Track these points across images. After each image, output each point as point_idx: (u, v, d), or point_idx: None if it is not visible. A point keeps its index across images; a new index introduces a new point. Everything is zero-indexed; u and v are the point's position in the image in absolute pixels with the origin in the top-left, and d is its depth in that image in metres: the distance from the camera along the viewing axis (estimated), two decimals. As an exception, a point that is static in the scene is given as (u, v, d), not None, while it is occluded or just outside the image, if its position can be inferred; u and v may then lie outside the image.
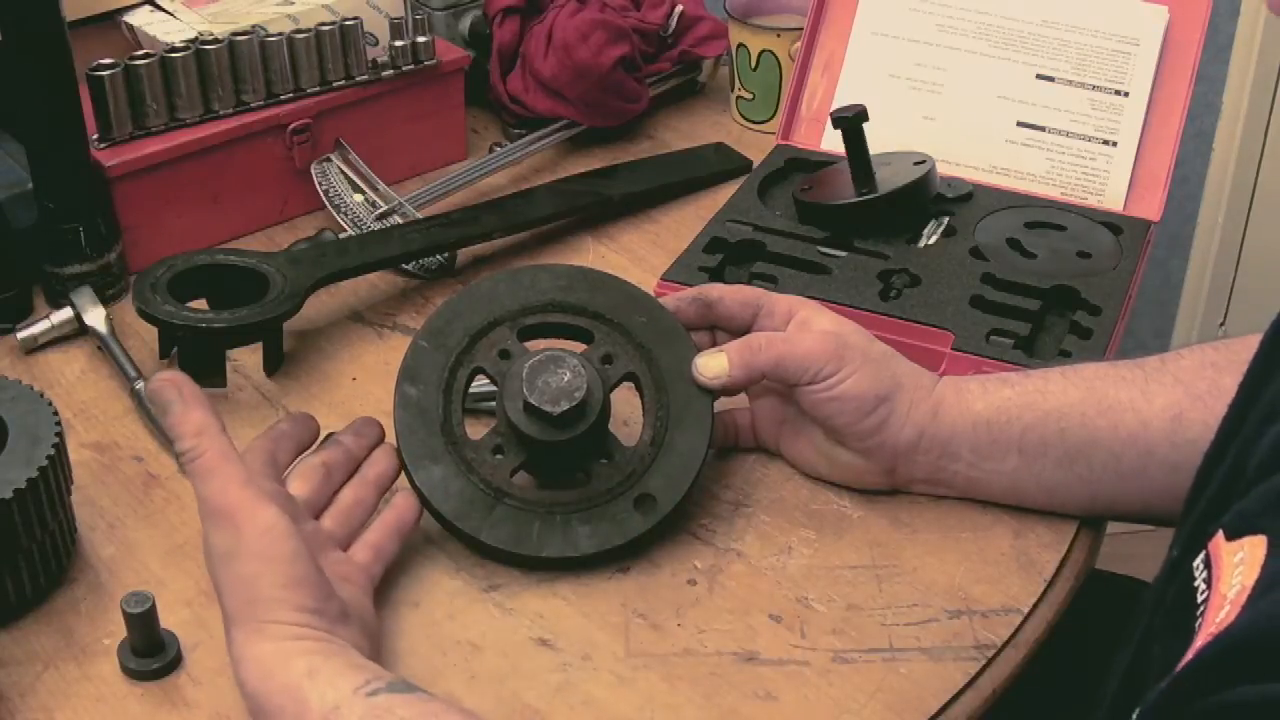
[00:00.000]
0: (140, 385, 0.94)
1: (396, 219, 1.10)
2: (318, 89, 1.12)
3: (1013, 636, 0.78)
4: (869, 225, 1.04)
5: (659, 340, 0.86)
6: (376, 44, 1.20)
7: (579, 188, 1.17)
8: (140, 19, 1.17)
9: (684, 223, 1.14)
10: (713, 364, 0.84)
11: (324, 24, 1.12)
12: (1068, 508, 0.84)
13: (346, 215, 1.10)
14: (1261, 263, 1.99)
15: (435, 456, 0.81)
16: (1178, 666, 0.48)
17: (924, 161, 1.06)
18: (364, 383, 0.98)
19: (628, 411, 0.89)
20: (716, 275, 1.02)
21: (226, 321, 0.93)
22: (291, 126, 1.11)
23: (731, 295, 0.88)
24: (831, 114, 1.06)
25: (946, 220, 1.06)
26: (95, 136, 1.05)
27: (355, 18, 1.13)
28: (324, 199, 1.11)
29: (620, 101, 1.23)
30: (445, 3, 1.26)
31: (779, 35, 1.24)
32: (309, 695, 0.66)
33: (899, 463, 0.84)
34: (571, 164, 1.23)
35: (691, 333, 0.87)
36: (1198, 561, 0.52)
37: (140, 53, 1.06)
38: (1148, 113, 1.11)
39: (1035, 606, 0.80)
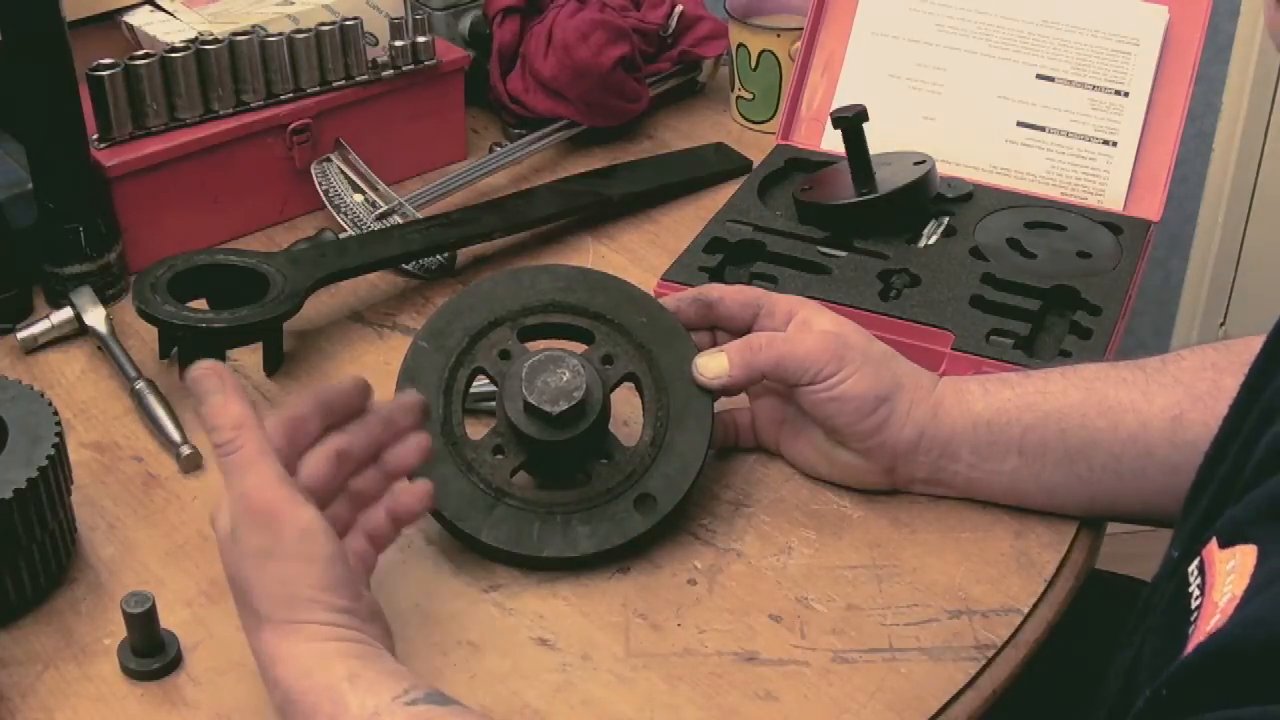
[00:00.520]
0: (140, 385, 0.94)
1: (396, 219, 1.10)
2: (318, 89, 1.12)
3: (1013, 636, 0.78)
4: (869, 225, 1.04)
5: (659, 340, 0.86)
6: (376, 44, 1.20)
7: (579, 188, 1.17)
8: (140, 19, 1.17)
9: (684, 223, 1.14)
10: (713, 364, 0.84)
11: (324, 24, 1.12)
12: (1067, 508, 0.84)
13: (346, 215, 1.10)
14: (1261, 263, 1.99)
15: (435, 457, 0.81)
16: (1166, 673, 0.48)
17: (924, 161, 1.06)
18: (364, 383, 0.98)
19: (628, 411, 0.89)
20: (716, 275, 1.02)
21: (226, 321, 0.93)
22: (291, 126, 1.11)
23: (732, 295, 0.88)
24: (831, 114, 1.06)
25: (946, 220, 1.06)
26: (95, 136, 1.05)
27: (355, 18, 1.13)
28: (324, 199, 1.11)
29: (620, 101, 1.23)
30: (445, 3, 1.26)
31: (779, 35, 1.24)
32: (349, 699, 0.65)
33: (899, 463, 0.84)
34: (571, 164, 1.23)
35: (692, 333, 0.87)
36: (1192, 568, 0.52)
37: (140, 53, 1.06)
38: (1148, 113, 1.11)
39: (1035, 606, 0.80)
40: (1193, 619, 0.51)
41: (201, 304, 0.96)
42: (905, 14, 1.17)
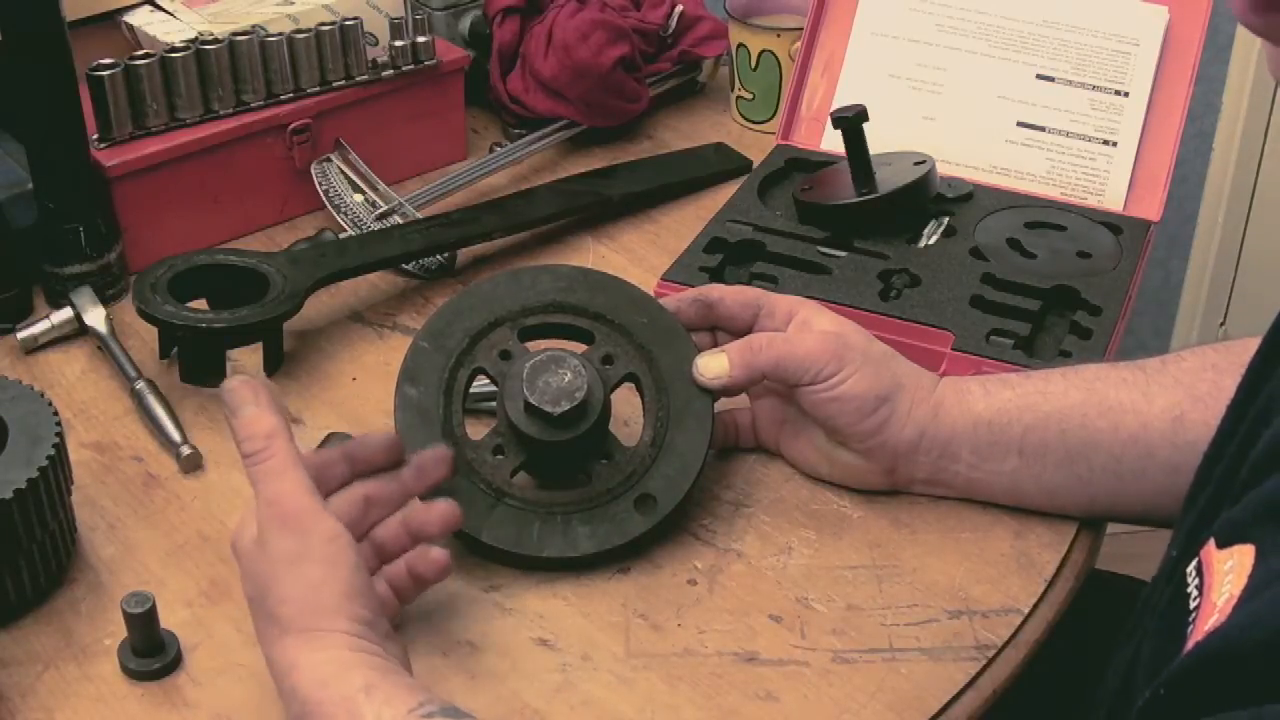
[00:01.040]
0: (140, 385, 0.94)
1: (396, 219, 1.10)
2: (318, 89, 1.12)
3: (1013, 636, 0.78)
4: (869, 225, 1.04)
5: (659, 341, 0.86)
6: (376, 44, 1.20)
7: (579, 188, 1.17)
8: (140, 19, 1.17)
9: (684, 223, 1.14)
10: (713, 364, 0.84)
11: (324, 24, 1.12)
12: (1068, 509, 0.84)
13: (346, 215, 1.10)
14: (1261, 263, 1.99)
15: (435, 457, 0.81)
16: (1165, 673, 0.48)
17: (924, 161, 1.06)
18: (364, 383, 0.98)
19: (628, 412, 0.89)
20: (716, 275, 1.02)
21: (226, 321, 0.93)
22: (291, 126, 1.11)
23: (732, 296, 0.88)
24: (831, 114, 1.06)
25: (946, 220, 1.06)
26: (95, 136, 1.05)
27: (355, 18, 1.13)
28: (324, 199, 1.11)
29: (620, 101, 1.23)
30: (445, 3, 1.26)
31: (779, 35, 1.24)
32: (364, 710, 0.65)
33: (899, 463, 0.84)
34: (571, 164, 1.23)
35: (692, 333, 0.87)
36: (1190, 568, 0.52)
37: (140, 53, 1.06)
38: (1148, 113, 1.11)
39: (1035, 606, 0.80)
40: (1191, 619, 0.51)
41: (201, 304, 0.96)
42: (905, 14, 1.17)
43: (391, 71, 1.15)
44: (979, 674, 0.76)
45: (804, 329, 0.85)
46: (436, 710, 0.65)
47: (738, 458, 0.90)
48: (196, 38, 1.09)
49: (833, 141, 1.11)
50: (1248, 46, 1.84)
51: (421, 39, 1.16)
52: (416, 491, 0.78)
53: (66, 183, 1.01)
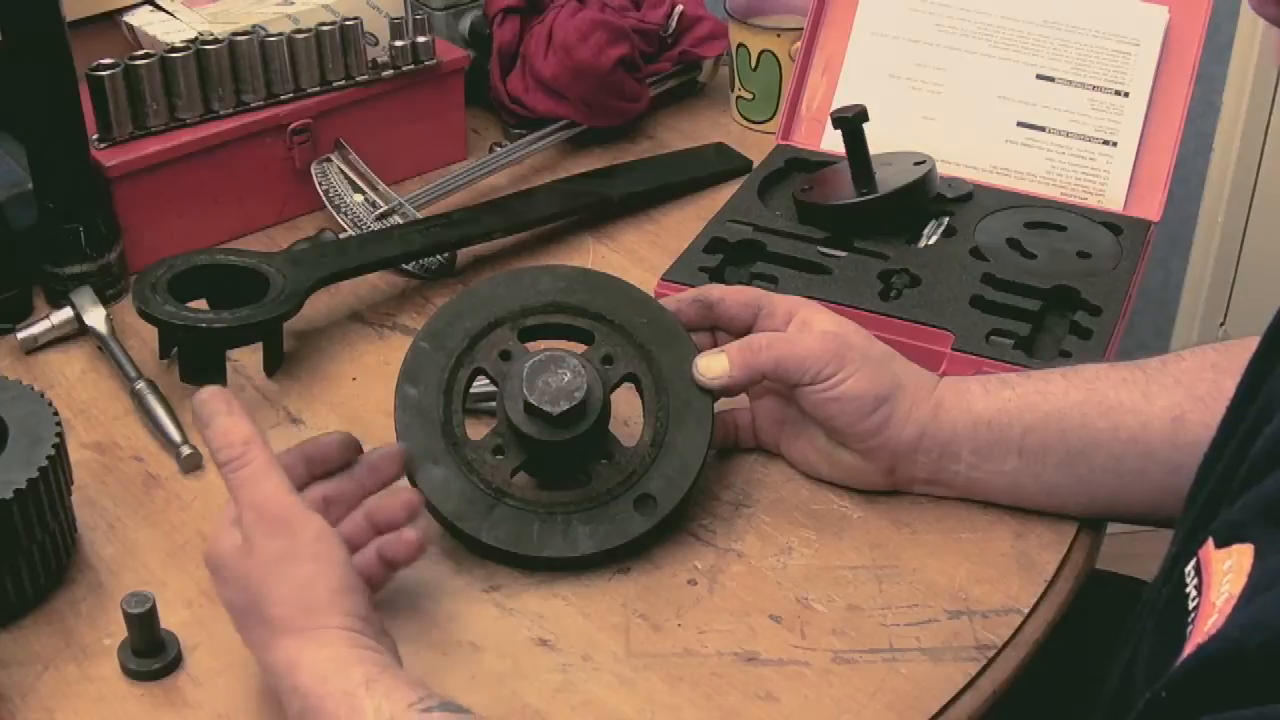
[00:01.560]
0: (140, 385, 0.94)
1: (396, 219, 1.10)
2: (318, 89, 1.12)
3: (1013, 636, 0.78)
4: (869, 225, 1.04)
5: (659, 341, 0.86)
6: (376, 44, 1.19)
7: (579, 188, 1.17)
8: (140, 19, 1.17)
9: (684, 223, 1.14)
10: (714, 364, 0.84)
11: (324, 24, 1.12)
12: (1068, 508, 0.84)
13: (346, 215, 1.10)
14: (1261, 263, 1.99)
15: (435, 457, 0.81)
16: (1165, 675, 0.48)
17: (924, 161, 1.06)
18: (364, 383, 0.98)
19: (628, 412, 0.89)
20: (716, 275, 1.02)
21: (226, 321, 0.93)
22: (291, 127, 1.11)
23: (732, 296, 0.88)
24: (831, 114, 1.06)
25: (946, 220, 1.06)
26: (95, 136, 1.05)
27: (355, 18, 1.13)
28: (324, 199, 1.11)
29: (620, 101, 1.23)
30: (445, 3, 1.26)
31: (779, 35, 1.24)
32: (365, 705, 0.65)
33: (899, 463, 0.84)
34: (571, 164, 1.23)
35: (692, 334, 0.87)
36: (1189, 568, 0.52)
37: (140, 53, 1.06)
38: (1148, 113, 1.11)
39: (1035, 606, 0.80)
40: (1190, 619, 0.51)
41: (201, 304, 0.96)
42: (905, 14, 1.17)
43: (391, 71, 1.15)
44: (979, 674, 0.76)
45: (804, 329, 0.85)
46: (436, 705, 0.66)
47: (738, 458, 0.90)
48: (196, 38, 1.09)
49: (833, 141, 1.11)
50: (1248, 46, 1.84)
51: (421, 39, 1.16)
52: (372, 490, 0.80)
53: (66, 183, 1.01)
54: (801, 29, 1.20)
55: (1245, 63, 1.84)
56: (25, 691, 0.75)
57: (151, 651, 0.76)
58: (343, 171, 1.13)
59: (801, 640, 0.77)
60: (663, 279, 1.01)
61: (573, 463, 0.83)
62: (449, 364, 0.84)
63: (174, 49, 1.06)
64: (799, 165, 1.14)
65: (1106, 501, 0.83)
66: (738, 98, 1.29)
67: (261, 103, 1.10)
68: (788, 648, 0.77)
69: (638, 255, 1.11)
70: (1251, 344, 0.66)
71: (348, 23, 1.12)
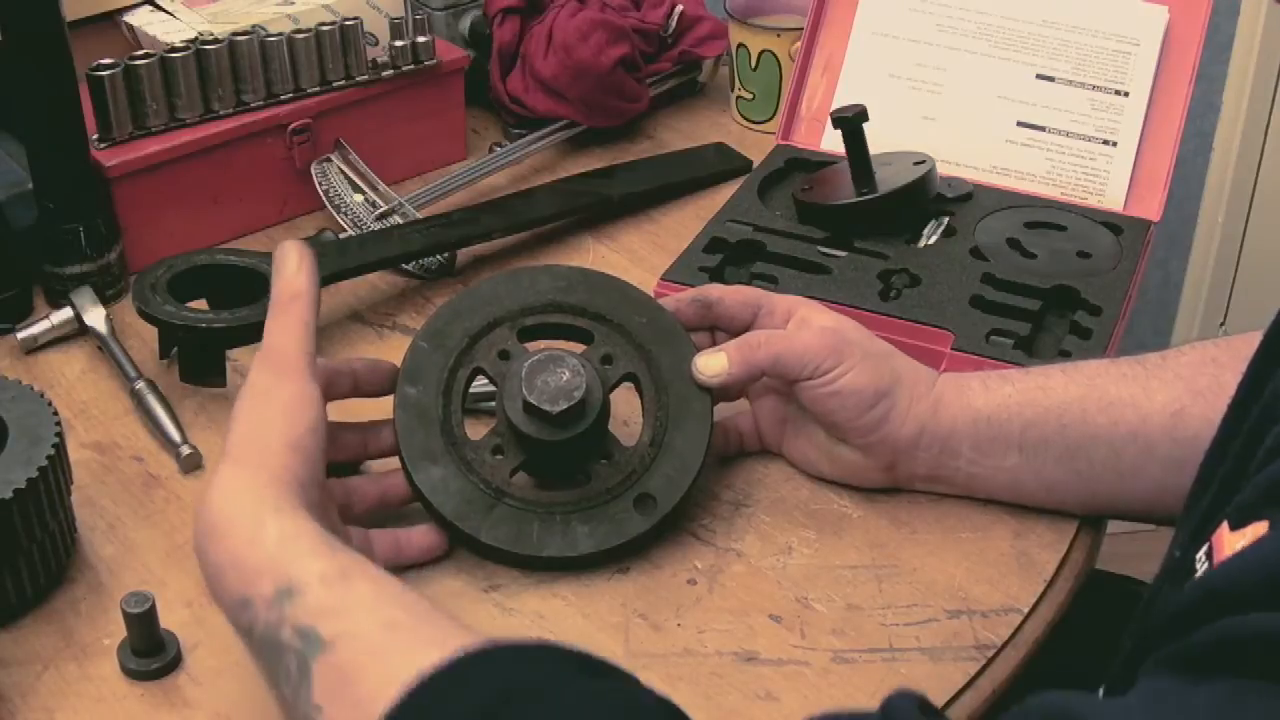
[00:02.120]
0: (140, 385, 0.94)
1: (396, 219, 1.10)
2: (318, 89, 1.12)
3: (1013, 636, 0.78)
4: (869, 225, 1.04)
5: (659, 341, 0.86)
6: (376, 44, 1.20)
7: (579, 188, 1.17)
8: (140, 19, 1.17)
9: (684, 223, 1.14)
10: (712, 362, 0.84)
11: (324, 24, 1.12)
12: (1068, 504, 0.84)
13: (346, 215, 1.10)
14: (1261, 263, 1.99)
15: (435, 457, 0.81)
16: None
17: (924, 161, 1.06)
18: (364, 383, 0.98)
19: (628, 411, 0.89)
20: (716, 275, 1.02)
21: (226, 321, 0.93)
22: (291, 126, 1.11)
23: (731, 295, 0.88)
24: (831, 114, 1.06)
25: (946, 220, 1.06)
26: (95, 136, 1.05)
27: (355, 18, 1.13)
28: (324, 199, 1.11)
29: (620, 101, 1.23)
30: (445, 3, 1.26)
31: (779, 35, 1.24)
32: (267, 521, 0.66)
33: (899, 459, 0.84)
34: (571, 164, 1.23)
35: (691, 333, 0.87)
36: (1200, 554, 0.53)
37: (140, 53, 1.06)
38: (1148, 113, 1.11)
39: (1035, 606, 0.80)
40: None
41: (201, 304, 0.96)
42: (905, 14, 1.17)
43: (391, 71, 1.15)
44: (979, 674, 0.76)
45: (803, 326, 0.85)
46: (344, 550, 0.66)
47: (737, 457, 0.90)
48: (196, 38, 1.09)
49: (833, 141, 1.11)
50: (1248, 46, 1.84)
51: (421, 39, 1.16)
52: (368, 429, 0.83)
53: (66, 183, 1.01)
54: (801, 29, 1.20)
55: (1245, 63, 1.85)
56: (25, 691, 0.75)
57: (151, 651, 0.76)
58: (343, 171, 1.13)
59: (801, 640, 0.77)
60: (662, 279, 1.01)
61: (572, 462, 0.83)
62: (448, 364, 0.84)
63: (174, 49, 1.06)
64: (799, 165, 1.15)
65: (1106, 497, 0.83)
66: (738, 98, 1.29)
67: (261, 103, 1.10)
68: (787, 647, 0.77)
69: (637, 255, 1.11)
70: (1253, 339, 0.66)
71: (348, 23, 1.12)
